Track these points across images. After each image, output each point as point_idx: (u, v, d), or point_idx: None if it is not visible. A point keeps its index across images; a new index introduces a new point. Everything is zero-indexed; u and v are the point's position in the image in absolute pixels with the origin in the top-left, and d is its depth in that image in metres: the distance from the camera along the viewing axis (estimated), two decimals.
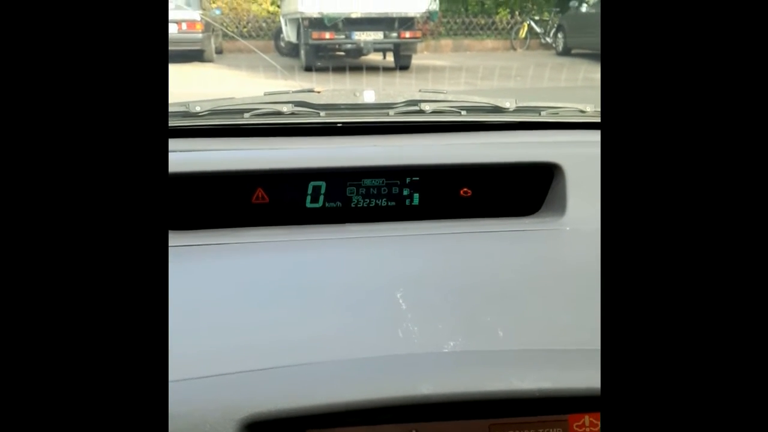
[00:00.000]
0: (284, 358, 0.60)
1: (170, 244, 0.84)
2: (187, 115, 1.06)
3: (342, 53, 8.80)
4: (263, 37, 10.92)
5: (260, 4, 12.00)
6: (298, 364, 0.59)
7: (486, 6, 12.61)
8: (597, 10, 9.23)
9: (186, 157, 0.95)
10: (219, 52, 10.05)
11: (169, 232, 0.89)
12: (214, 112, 1.08)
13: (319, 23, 7.96)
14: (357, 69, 8.06)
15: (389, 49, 8.70)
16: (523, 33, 11.68)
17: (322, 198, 0.98)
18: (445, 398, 0.55)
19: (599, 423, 0.57)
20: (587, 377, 0.56)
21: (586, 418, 0.57)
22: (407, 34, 8.21)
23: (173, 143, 0.97)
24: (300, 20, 8.13)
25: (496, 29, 12.03)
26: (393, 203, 0.99)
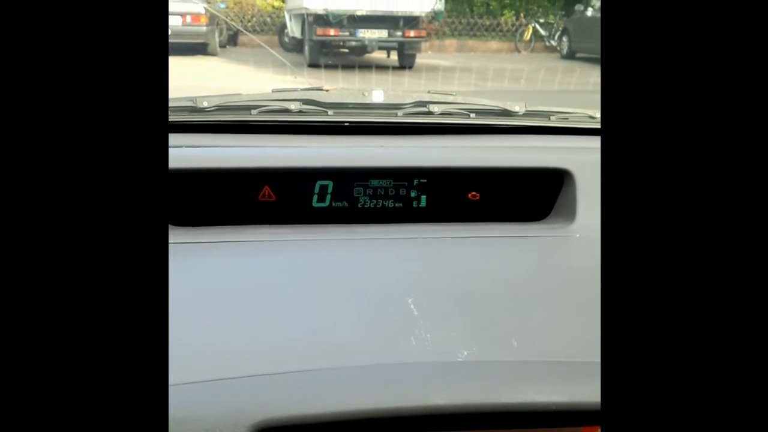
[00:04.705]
0: (293, 363, 0.60)
1: (176, 240, 0.83)
2: (194, 110, 1.05)
3: (346, 50, 8.78)
4: (267, 31, 10.90)
5: None
6: (307, 369, 0.58)
7: (491, 7, 12.58)
8: None
9: (192, 152, 0.94)
10: (223, 46, 10.01)
11: (175, 228, 0.88)
12: (221, 108, 1.07)
13: (323, 19, 7.94)
14: (366, 67, 8.03)
15: (393, 48, 8.68)
16: (527, 35, 11.67)
17: (329, 197, 0.97)
18: (459, 409, 0.54)
19: None
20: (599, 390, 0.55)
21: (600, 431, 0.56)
22: (412, 33, 8.19)
23: (180, 138, 0.96)
24: (305, 16, 8.11)
25: (500, 30, 12.01)
26: (400, 205, 0.98)
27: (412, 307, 0.70)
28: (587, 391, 0.56)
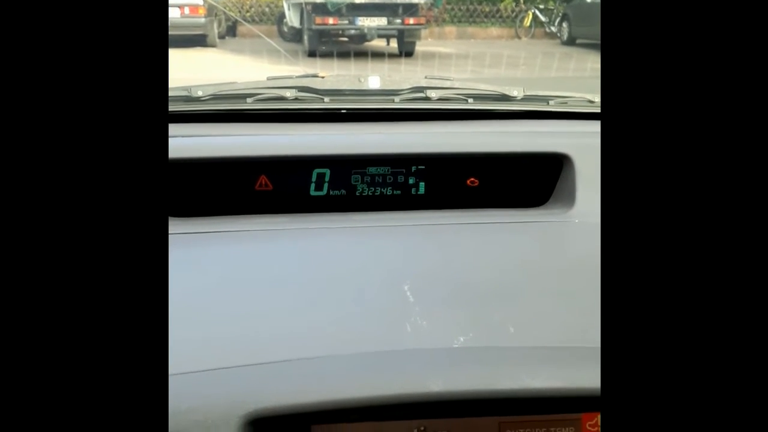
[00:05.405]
0: (289, 351, 0.59)
1: (172, 231, 0.82)
2: (188, 99, 1.04)
3: (345, 39, 8.74)
4: (266, 21, 10.83)
5: None
6: (303, 358, 0.58)
7: None
8: None
9: (188, 142, 0.93)
10: (222, 37, 9.96)
11: (171, 219, 0.87)
12: (216, 97, 1.06)
13: (322, 8, 7.89)
14: (362, 55, 7.98)
15: (393, 36, 8.62)
16: (527, 21, 11.59)
17: (326, 186, 0.96)
18: (455, 396, 0.54)
19: None
20: (599, 376, 0.54)
21: (600, 417, 0.56)
22: (411, 21, 8.13)
23: (174, 128, 0.95)
24: (303, 5, 8.06)
25: (500, 17, 11.91)
26: (398, 192, 0.97)
27: (410, 294, 0.69)
28: (586, 376, 0.55)
